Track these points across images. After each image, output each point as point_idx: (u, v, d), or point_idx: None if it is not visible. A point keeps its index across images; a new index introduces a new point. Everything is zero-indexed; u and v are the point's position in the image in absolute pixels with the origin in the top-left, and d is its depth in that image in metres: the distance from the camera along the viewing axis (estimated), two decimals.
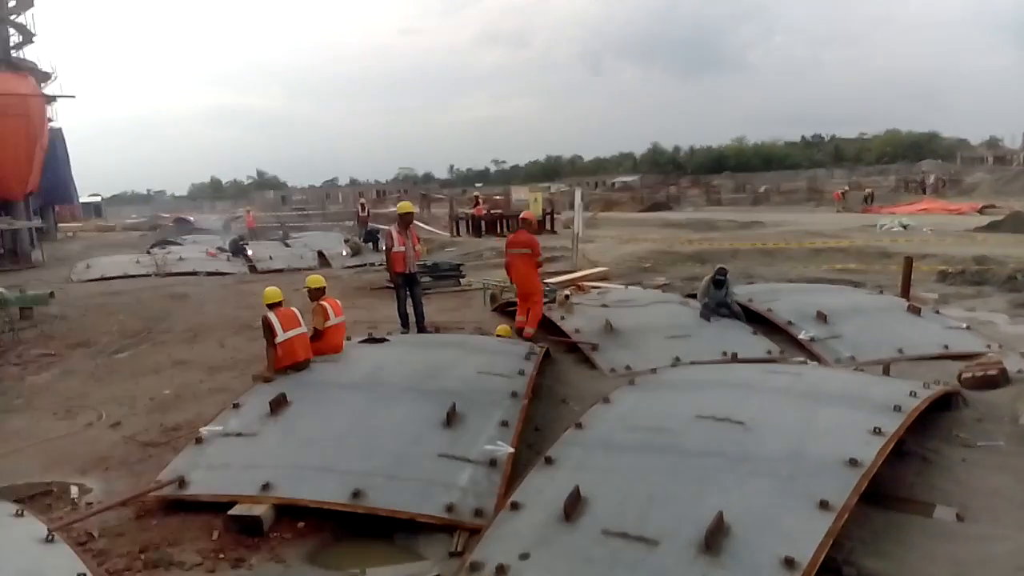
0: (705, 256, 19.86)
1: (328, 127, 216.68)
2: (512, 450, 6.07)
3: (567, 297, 12.14)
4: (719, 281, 11.18)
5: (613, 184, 78.02)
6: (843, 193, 44.24)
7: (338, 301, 9.21)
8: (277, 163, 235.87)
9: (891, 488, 5.64)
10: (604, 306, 11.66)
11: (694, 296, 12.00)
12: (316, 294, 8.90)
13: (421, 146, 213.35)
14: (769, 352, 9.85)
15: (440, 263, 18.68)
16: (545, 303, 12.05)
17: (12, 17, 32.07)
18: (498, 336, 10.44)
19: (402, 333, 11.09)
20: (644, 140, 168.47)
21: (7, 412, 9.04)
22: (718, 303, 11.01)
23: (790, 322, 10.60)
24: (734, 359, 9.50)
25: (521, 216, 11.01)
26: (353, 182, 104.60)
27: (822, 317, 10.50)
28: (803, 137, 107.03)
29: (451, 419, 6.47)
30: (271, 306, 8.16)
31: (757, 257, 19.56)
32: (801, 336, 10.17)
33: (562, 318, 11.12)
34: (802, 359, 9.51)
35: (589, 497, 4.92)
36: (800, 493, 4.74)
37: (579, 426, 6.23)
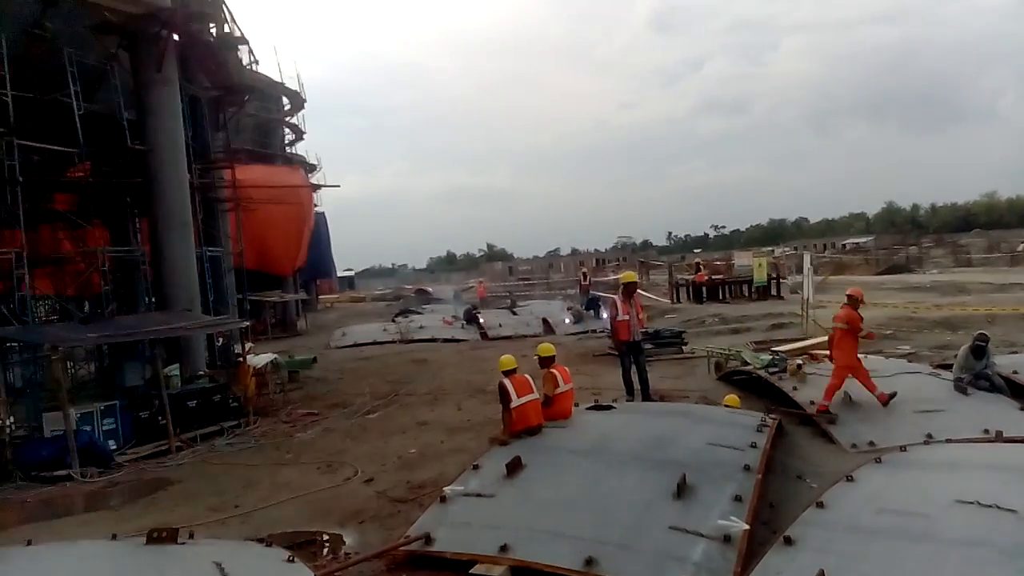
0: (956, 323, 17.94)
1: (551, 200, 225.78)
2: (747, 527, 5.89)
3: (799, 367, 11.59)
4: (979, 349, 10.11)
5: (844, 246, 73.19)
6: None
7: (566, 368, 9.54)
8: (505, 236, 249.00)
9: None
10: None
11: (946, 367, 10.93)
12: (546, 362, 9.29)
13: (639, 214, 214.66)
14: None
15: (662, 330, 18.56)
16: (775, 372, 11.61)
17: (286, 118, 37.34)
18: (726, 406, 10.18)
19: (627, 400, 11.18)
20: (877, 199, 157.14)
21: (279, 465, 10.31)
22: (977, 374, 9.95)
23: None
24: (999, 438, 8.49)
25: (847, 292, 10.64)
26: (574, 252, 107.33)
27: None
28: None
29: (681, 491, 6.42)
30: (506, 373, 8.65)
31: (1021, 324, 17.35)
32: None
33: (795, 388, 10.63)
34: None
35: None
36: None
37: (820, 505, 5.92)
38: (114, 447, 11.23)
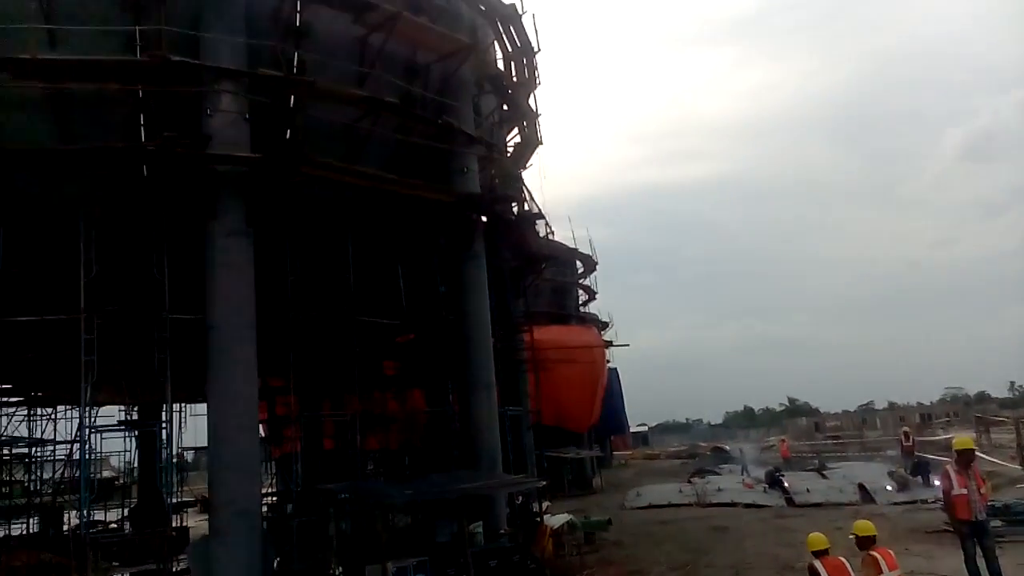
0: None
1: (858, 349, 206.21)
2: None
3: None
4: None
5: None
6: None
7: (891, 551, 8.31)
8: (808, 388, 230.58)
9: None
10: None
11: None
12: (865, 542, 8.19)
13: (970, 362, 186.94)
14: None
15: (1014, 504, 15.63)
16: None
17: (580, 280, 39.58)
18: None
19: None
20: None
21: None
22: None
23: None
24: None
25: None
26: (891, 405, 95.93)
27: None
28: None
29: None
30: (816, 554, 7.78)
31: None
32: None
33: None
34: None
35: None
36: None
37: None
38: None
